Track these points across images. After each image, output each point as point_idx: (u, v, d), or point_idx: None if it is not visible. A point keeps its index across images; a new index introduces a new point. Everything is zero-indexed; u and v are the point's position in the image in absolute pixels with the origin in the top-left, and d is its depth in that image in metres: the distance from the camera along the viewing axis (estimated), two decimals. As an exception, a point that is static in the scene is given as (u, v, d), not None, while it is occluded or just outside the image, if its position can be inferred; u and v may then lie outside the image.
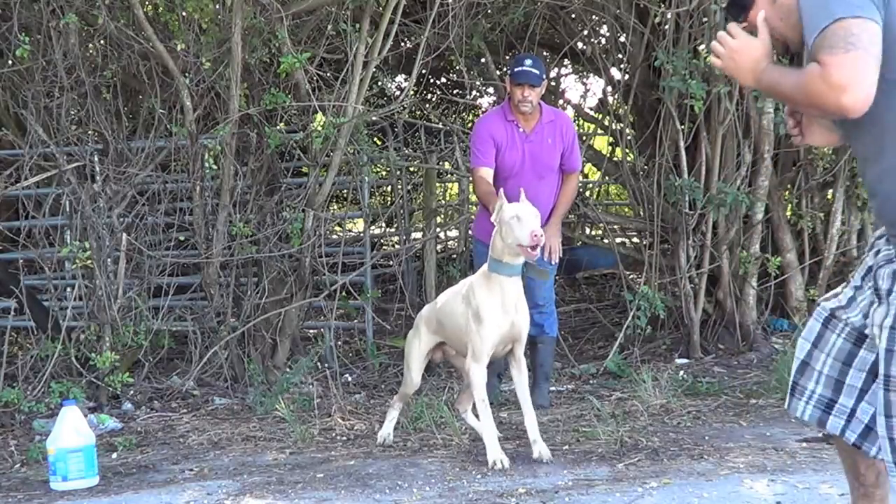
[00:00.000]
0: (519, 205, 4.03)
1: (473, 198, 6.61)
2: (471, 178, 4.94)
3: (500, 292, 3.99)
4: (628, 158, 6.58)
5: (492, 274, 4.01)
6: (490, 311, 3.98)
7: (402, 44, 6.94)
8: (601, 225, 7.42)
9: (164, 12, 5.98)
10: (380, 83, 9.09)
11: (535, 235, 3.81)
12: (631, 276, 6.71)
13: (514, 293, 4.02)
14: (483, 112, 10.54)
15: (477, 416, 4.19)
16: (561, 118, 5.06)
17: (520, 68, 4.81)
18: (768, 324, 6.41)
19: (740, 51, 2.21)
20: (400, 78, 9.63)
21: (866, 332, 2.26)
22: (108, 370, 5.18)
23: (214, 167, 5.84)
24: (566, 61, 8.15)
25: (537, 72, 4.81)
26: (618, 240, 7.21)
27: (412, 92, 7.67)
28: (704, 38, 5.86)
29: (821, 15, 1.99)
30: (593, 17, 6.93)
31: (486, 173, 4.83)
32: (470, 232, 6.59)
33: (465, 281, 4.30)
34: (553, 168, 4.97)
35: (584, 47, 7.22)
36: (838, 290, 2.41)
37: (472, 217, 5.92)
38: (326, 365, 5.78)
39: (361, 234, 7.27)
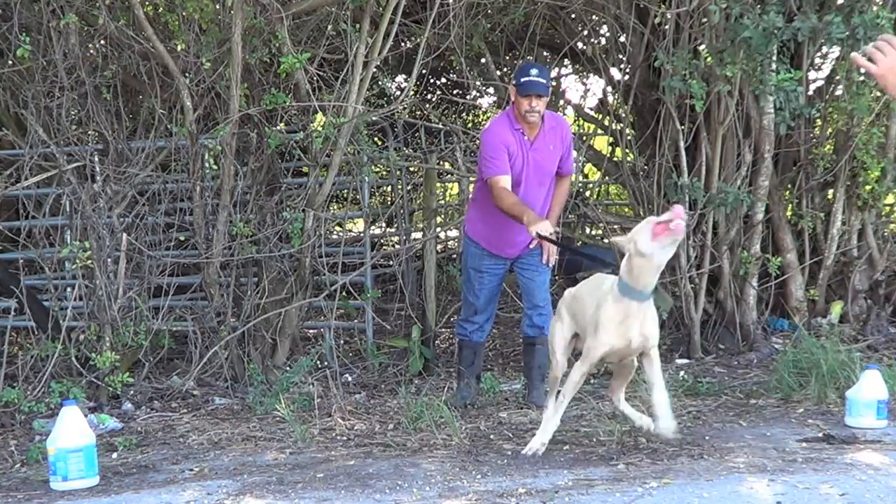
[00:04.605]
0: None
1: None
2: (491, 191, 4.72)
3: (624, 313, 3.85)
4: (628, 158, 6.58)
5: (622, 297, 3.87)
6: (610, 328, 3.88)
7: (402, 44, 6.95)
8: (601, 225, 7.42)
9: (164, 12, 5.98)
10: (380, 83, 9.09)
11: (675, 210, 3.62)
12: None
13: (639, 316, 3.87)
14: (483, 112, 10.57)
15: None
16: (561, 123, 5.03)
17: (526, 79, 4.68)
18: (768, 324, 6.41)
19: None
20: (400, 78, 9.63)
21: None
22: (108, 370, 5.19)
23: (214, 167, 5.85)
24: (566, 61, 8.16)
25: (544, 81, 4.72)
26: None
27: (412, 92, 7.67)
28: (705, 38, 5.86)
29: None
30: (593, 17, 6.93)
31: (507, 181, 4.72)
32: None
33: (600, 284, 4.14)
34: (552, 174, 4.95)
35: (584, 47, 7.23)
36: None
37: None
38: (326, 365, 5.79)
39: (361, 234, 7.28)
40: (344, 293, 6.00)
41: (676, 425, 3.98)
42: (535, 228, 4.50)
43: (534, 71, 4.72)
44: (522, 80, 4.70)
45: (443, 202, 9.34)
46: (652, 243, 3.68)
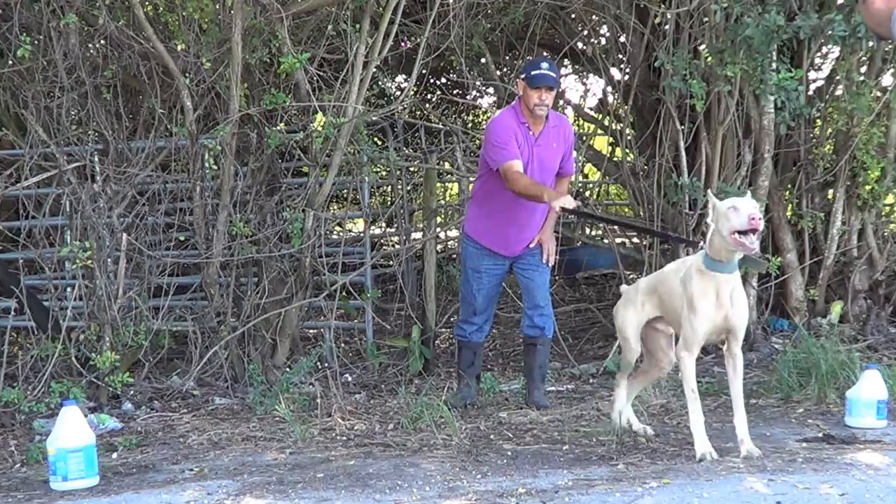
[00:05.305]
0: (735, 198, 3.96)
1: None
2: (505, 176, 4.74)
3: (714, 287, 3.91)
4: (628, 158, 6.58)
5: (707, 271, 3.93)
6: (703, 303, 3.92)
7: (403, 44, 6.95)
8: (601, 225, 7.42)
9: (164, 12, 5.99)
10: (380, 83, 9.09)
11: (753, 219, 3.71)
12: (631, 276, 6.71)
13: (728, 288, 3.94)
14: (483, 112, 10.57)
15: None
16: (563, 123, 5.06)
17: (537, 72, 4.76)
18: (768, 324, 6.40)
19: None
20: (400, 78, 9.62)
21: None
22: (108, 370, 5.18)
23: (214, 167, 5.84)
24: (566, 61, 8.16)
25: (554, 75, 4.81)
26: (618, 240, 7.21)
27: (412, 92, 7.67)
28: (705, 38, 5.86)
29: None
30: (593, 17, 6.94)
31: (520, 166, 4.75)
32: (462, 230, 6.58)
33: (684, 261, 4.22)
34: (554, 172, 4.97)
35: (584, 47, 7.23)
36: None
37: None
38: (326, 365, 5.79)
39: (361, 234, 7.28)
40: (344, 293, 6.00)
41: (758, 451, 3.94)
42: (559, 203, 4.57)
43: (545, 65, 4.81)
44: (533, 72, 4.77)
45: (443, 202, 9.33)
46: (729, 235, 3.78)
